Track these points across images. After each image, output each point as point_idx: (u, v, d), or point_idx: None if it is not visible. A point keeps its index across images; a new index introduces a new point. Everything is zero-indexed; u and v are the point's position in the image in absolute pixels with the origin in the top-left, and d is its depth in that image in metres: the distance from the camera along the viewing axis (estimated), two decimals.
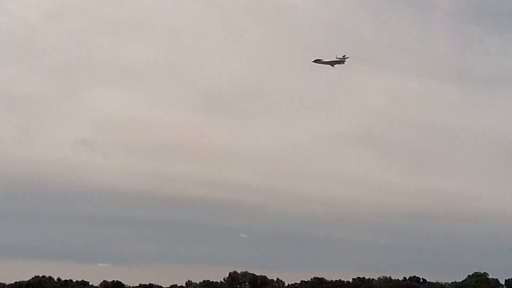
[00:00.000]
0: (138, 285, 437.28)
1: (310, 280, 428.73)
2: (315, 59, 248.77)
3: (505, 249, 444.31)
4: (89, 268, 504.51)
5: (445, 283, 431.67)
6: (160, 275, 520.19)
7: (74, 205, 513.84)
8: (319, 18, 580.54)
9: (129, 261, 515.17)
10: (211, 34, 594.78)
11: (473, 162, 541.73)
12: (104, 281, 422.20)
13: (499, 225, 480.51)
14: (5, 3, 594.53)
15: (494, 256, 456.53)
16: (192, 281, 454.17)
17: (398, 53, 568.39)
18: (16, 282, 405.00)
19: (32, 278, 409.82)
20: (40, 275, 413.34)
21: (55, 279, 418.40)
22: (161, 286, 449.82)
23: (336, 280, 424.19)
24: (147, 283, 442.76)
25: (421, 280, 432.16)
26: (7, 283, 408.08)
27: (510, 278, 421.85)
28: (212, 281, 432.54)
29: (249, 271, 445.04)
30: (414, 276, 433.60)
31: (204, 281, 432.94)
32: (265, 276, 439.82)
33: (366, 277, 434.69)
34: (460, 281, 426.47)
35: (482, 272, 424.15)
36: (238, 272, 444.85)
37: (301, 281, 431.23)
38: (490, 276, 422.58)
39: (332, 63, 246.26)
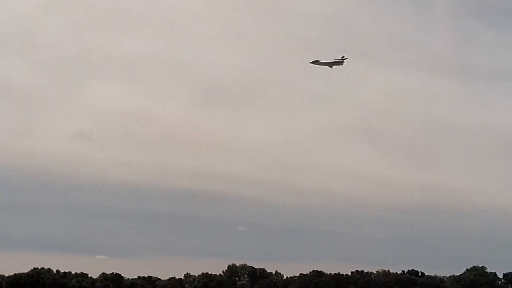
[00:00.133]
0: (136, 277, 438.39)
1: (309, 273, 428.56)
2: (313, 60, 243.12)
3: (503, 243, 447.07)
4: (87, 260, 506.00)
5: (443, 276, 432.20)
6: (159, 268, 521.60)
7: (72, 197, 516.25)
8: (318, 12, 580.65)
9: (127, 254, 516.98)
10: (209, 27, 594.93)
11: (472, 157, 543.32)
12: (103, 273, 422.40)
13: (498, 219, 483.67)
14: None
15: (492, 250, 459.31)
16: (191, 274, 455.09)
17: (397, 48, 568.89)
18: (15, 274, 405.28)
19: (31, 270, 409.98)
20: (39, 267, 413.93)
21: (54, 271, 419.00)
22: (159, 279, 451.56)
23: (334, 273, 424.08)
24: (146, 276, 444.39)
25: (420, 274, 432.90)
26: (6, 275, 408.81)
27: (508, 271, 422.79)
28: (211, 274, 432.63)
29: (248, 264, 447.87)
30: (413, 270, 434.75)
31: (203, 273, 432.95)
32: (264, 269, 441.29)
33: (365, 270, 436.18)
34: (458, 274, 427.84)
35: (480, 265, 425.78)
36: (237, 264, 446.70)
37: (300, 274, 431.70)
38: (488, 270, 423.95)
39: (330, 64, 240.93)
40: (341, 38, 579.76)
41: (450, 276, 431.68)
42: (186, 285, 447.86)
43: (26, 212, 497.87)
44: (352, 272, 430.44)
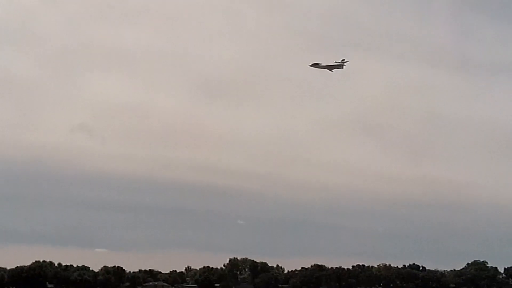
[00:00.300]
0: (138, 270, 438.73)
1: (310, 267, 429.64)
2: (312, 63, 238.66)
3: (504, 238, 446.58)
4: (86, 253, 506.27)
5: (444, 271, 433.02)
6: (158, 261, 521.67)
7: (71, 190, 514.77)
8: (318, 5, 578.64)
9: (126, 247, 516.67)
10: (209, 20, 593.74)
11: (472, 151, 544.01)
12: (104, 266, 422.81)
13: (499, 214, 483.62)
14: None
15: (493, 244, 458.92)
16: (192, 267, 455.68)
17: (397, 42, 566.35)
18: (17, 266, 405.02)
19: (33, 263, 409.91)
20: (41, 260, 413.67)
21: (56, 264, 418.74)
22: (160, 272, 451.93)
23: (336, 267, 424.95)
24: (147, 269, 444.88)
25: (421, 268, 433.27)
26: (8, 268, 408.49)
27: (509, 266, 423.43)
28: (212, 267, 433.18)
29: (249, 258, 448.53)
30: (414, 264, 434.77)
31: (204, 267, 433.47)
32: (265, 262, 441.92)
33: (366, 265, 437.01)
34: (459, 269, 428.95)
35: (481, 260, 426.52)
36: (238, 258, 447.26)
37: (301, 267, 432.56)
38: (489, 265, 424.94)
39: (330, 67, 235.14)
40: (340, 32, 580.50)
41: (451, 270, 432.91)
42: (187, 278, 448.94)
43: (26, 206, 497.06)
44: (353, 266, 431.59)
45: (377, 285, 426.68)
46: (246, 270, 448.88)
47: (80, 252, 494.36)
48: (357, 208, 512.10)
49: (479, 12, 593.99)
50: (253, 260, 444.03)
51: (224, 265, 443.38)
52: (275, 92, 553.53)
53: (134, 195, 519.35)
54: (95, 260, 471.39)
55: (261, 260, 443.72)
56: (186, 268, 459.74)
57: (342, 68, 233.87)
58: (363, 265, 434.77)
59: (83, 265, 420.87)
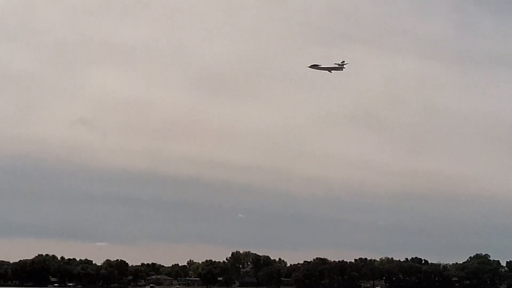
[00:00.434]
0: (140, 264, 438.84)
1: (312, 260, 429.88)
2: (311, 64, 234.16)
3: (506, 231, 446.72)
4: (87, 247, 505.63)
5: (447, 264, 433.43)
6: (160, 255, 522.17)
7: (72, 184, 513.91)
8: None
9: (127, 240, 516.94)
10: (209, 15, 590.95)
11: (473, 144, 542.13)
12: (107, 260, 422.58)
13: (502, 207, 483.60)
14: None
15: (495, 238, 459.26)
16: (194, 261, 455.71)
17: (397, 35, 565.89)
18: (20, 260, 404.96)
19: (36, 256, 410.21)
20: (44, 254, 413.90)
21: (59, 258, 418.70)
22: (162, 265, 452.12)
23: (338, 261, 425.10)
24: (150, 263, 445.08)
25: (423, 261, 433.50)
26: (11, 261, 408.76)
27: (511, 259, 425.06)
28: (215, 261, 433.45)
29: (251, 251, 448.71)
30: (416, 257, 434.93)
31: (206, 260, 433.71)
32: (268, 256, 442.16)
33: (369, 258, 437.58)
34: (462, 262, 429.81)
35: (483, 253, 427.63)
36: (241, 252, 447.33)
37: (304, 261, 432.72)
38: (491, 258, 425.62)
39: (329, 69, 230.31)
40: (341, 25, 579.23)
41: (454, 264, 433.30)
42: (190, 272, 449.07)
43: (27, 199, 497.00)
44: (355, 260, 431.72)
45: (379, 279, 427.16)
46: (249, 263, 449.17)
47: (80, 246, 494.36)
48: (359, 202, 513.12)
49: (479, 5, 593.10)
50: (255, 254, 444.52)
51: (226, 259, 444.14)
52: (275, 87, 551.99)
53: (134, 188, 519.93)
54: (96, 253, 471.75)
55: (264, 254, 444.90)
56: (188, 261, 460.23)
57: (342, 70, 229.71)
58: (366, 259, 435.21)
59: (85, 259, 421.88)
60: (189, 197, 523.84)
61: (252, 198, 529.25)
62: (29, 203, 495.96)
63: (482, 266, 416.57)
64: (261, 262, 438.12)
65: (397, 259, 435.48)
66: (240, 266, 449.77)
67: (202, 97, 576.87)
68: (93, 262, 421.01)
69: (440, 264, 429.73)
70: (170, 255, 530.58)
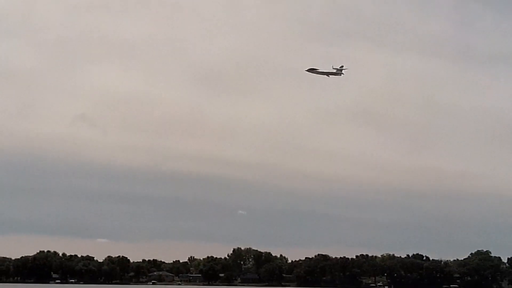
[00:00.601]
0: (141, 260, 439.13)
1: (314, 256, 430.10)
2: (309, 68, 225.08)
3: (507, 228, 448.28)
4: (89, 243, 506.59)
5: (448, 260, 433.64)
6: (161, 251, 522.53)
7: (73, 180, 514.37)
8: None
9: (127, 237, 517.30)
10: (209, 12, 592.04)
11: (473, 140, 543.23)
12: (108, 256, 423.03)
13: (503, 203, 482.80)
14: None
15: (497, 234, 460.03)
16: (195, 257, 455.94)
17: (397, 31, 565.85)
18: (22, 257, 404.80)
19: (37, 253, 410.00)
20: (45, 250, 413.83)
21: (60, 254, 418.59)
22: (164, 262, 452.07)
23: (340, 257, 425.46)
24: (151, 259, 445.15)
25: (424, 258, 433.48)
26: (13, 258, 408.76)
27: None
28: (216, 257, 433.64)
29: (252, 248, 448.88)
30: (418, 254, 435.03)
31: (208, 257, 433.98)
32: (269, 252, 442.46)
33: (370, 254, 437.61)
34: (463, 258, 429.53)
35: (484, 250, 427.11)
36: (242, 248, 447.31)
37: (306, 257, 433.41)
38: (492, 254, 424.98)
39: (327, 74, 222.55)
40: (341, 23, 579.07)
41: (455, 260, 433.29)
42: (191, 268, 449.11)
43: (28, 196, 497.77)
44: (357, 256, 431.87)
45: (381, 275, 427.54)
46: (250, 260, 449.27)
47: (82, 242, 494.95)
48: (361, 198, 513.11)
49: (479, 3, 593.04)
50: (257, 250, 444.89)
51: (228, 255, 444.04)
52: (275, 84, 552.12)
53: (135, 185, 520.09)
54: (98, 250, 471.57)
55: (265, 250, 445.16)
56: (189, 258, 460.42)
57: (340, 75, 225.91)
58: (367, 255, 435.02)
59: (87, 255, 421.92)
60: (190, 194, 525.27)
61: (252, 195, 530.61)
62: (31, 200, 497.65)
63: (483, 262, 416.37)
64: (263, 259, 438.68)
65: (399, 256, 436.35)
66: (242, 262, 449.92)
67: (202, 94, 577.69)
68: (95, 259, 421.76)
69: (441, 261, 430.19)
70: (171, 252, 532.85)
